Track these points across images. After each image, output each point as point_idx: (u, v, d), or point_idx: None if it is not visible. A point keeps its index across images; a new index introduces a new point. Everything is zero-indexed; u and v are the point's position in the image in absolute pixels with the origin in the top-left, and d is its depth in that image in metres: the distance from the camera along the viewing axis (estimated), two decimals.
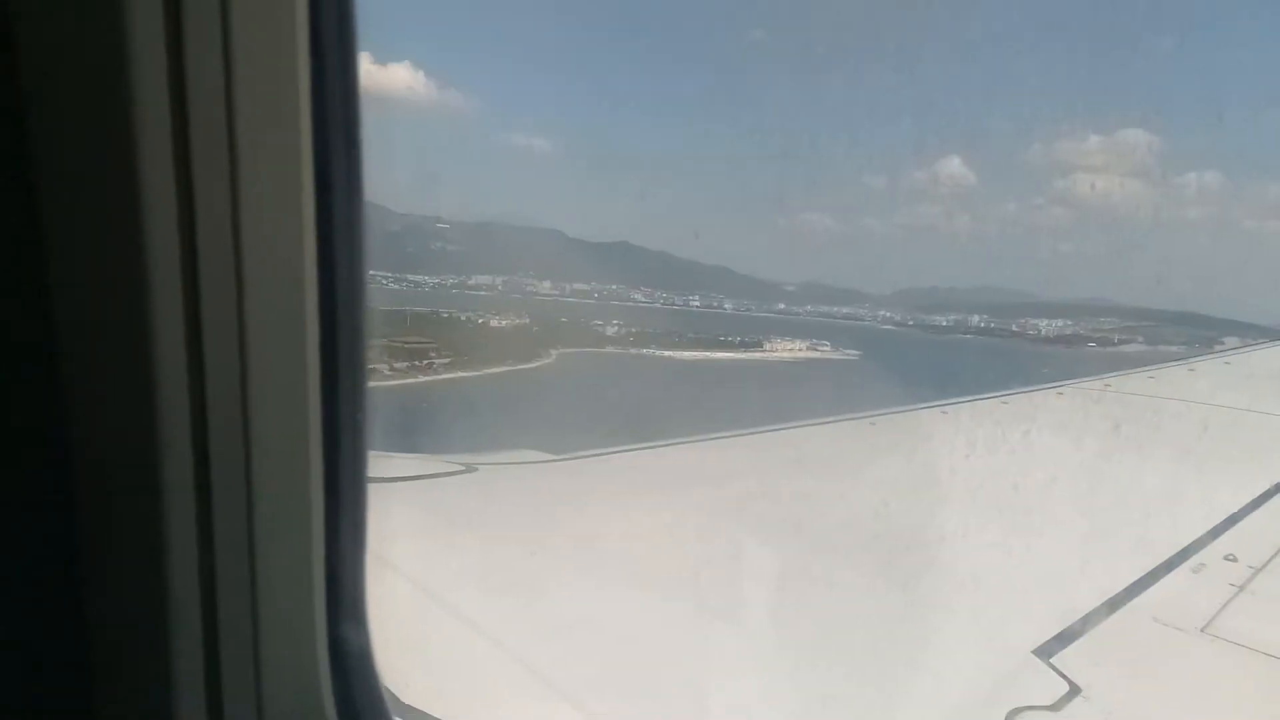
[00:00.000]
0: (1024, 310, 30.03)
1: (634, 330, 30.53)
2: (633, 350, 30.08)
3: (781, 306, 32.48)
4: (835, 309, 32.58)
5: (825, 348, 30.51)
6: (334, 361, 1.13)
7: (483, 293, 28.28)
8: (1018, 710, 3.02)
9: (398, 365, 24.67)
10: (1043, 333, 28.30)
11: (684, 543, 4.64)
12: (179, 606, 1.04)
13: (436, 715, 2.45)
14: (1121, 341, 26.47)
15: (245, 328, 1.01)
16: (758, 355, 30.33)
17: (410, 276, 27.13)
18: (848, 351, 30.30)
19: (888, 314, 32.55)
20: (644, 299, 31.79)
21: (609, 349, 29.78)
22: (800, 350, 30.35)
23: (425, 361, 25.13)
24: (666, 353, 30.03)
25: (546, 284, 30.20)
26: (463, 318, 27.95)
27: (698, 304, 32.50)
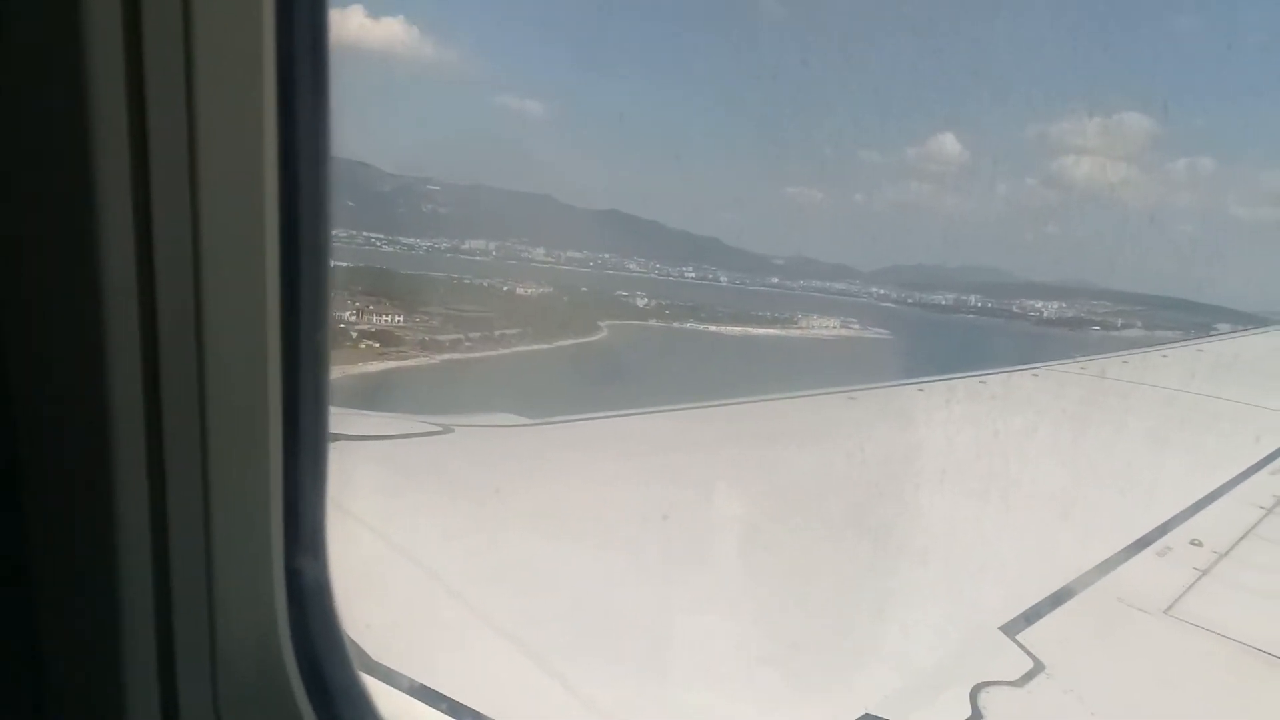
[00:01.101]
0: (1017, 291, 30.01)
1: (663, 303, 30.23)
2: (675, 324, 29.92)
3: (775, 281, 32.30)
4: (828, 284, 32.41)
5: (855, 325, 30.51)
6: (295, 309, 1.11)
7: (478, 258, 27.95)
8: (982, 685, 3.05)
9: (472, 335, 24.67)
10: (1045, 315, 28.34)
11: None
12: (129, 545, 1.03)
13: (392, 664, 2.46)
14: (1124, 326, 26.63)
15: (201, 277, 0.99)
16: (800, 332, 30.28)
17: (403, 239, 26.82)
18: (877, 330, 30.23)
19: (881, 291, 32.34)
20: (638, 269, 31.48)
21: (652, 322, 29.57)
22: (836, 328, 30.35)
23: (495, 333, 25.22)
24: (711, 327, 29.85)
25: (540, 250, 29.85)
26: (485, 284, 27.66)
27: (692, 276, 32.27)
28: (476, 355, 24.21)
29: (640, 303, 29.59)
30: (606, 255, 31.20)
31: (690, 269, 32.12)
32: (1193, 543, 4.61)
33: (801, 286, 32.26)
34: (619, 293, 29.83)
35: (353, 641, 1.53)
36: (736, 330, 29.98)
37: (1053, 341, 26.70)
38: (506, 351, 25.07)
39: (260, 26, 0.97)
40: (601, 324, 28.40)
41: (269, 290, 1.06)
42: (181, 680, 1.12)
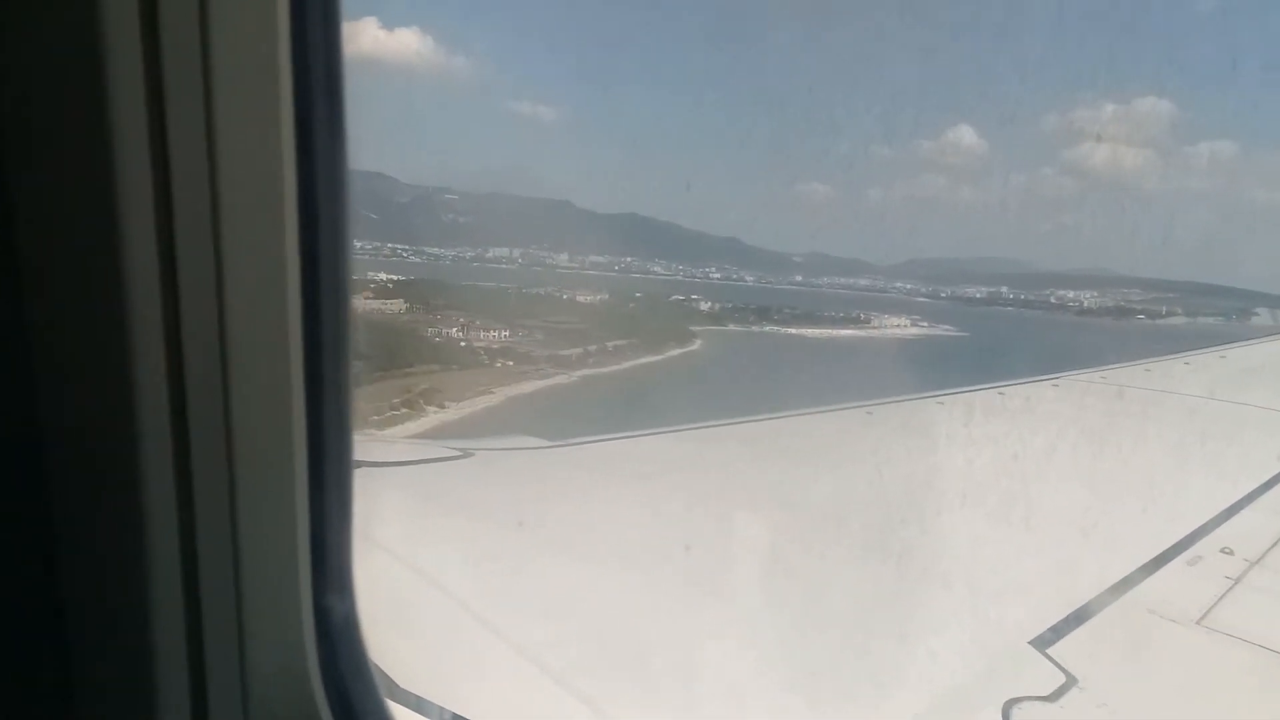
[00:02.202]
0: (1043, 282, 29.49)
1: (727, 307, 30.06)
2: (755, 328, 29.80)
3: (798, 279, 32.03)
4: (853, 280, 32.03)
5: (925, 324, 30.25)
6: (318, 338, 1.12)
7: (503, 266, 27.95)
8: (1015, 700, 3.02)
9: (589, 349, 24.77)
10: (1085, 305, 27.81)
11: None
12: (160, 580, 1.04)
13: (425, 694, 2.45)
14: (1168, 314, 26.24)
15: (225, 304, 1.00)
16: (877, 331, 30.00)
17: (427, 249, 26.87)
18: (945, 327, 29.90)
19: (909, 286, 31.90)
20: (663, 271, 31.29)
21: (732, 327, 29.47)
22: (907, 326, 30.09)
23: (607, 345, 25.30)
24: (791, 330, 29.62)
25: (564, 256, 29.76)
26: (543, 293, 27.68)
27: (717, 276, 31.98)
28: (606, 370, 24.36)
29: (704, 307, 29.42)
30: (629, 259, 31.12)
31: (714, 269, 31.89)
32: (1223, 551, 4.56)
33: (827, 284, 31.98)
34: (674, 297, 29.70)
35: (380, 669, 1.53)
36: (819, 332, 29.72)
37: (1107, 334, 26.23)
38: (629, 364, 25.27)
39: (275, 34, 0.98)
40: (694, 331, 28.27)
41: (290, 317, 1.06)
42: (213, 711, 1.13)
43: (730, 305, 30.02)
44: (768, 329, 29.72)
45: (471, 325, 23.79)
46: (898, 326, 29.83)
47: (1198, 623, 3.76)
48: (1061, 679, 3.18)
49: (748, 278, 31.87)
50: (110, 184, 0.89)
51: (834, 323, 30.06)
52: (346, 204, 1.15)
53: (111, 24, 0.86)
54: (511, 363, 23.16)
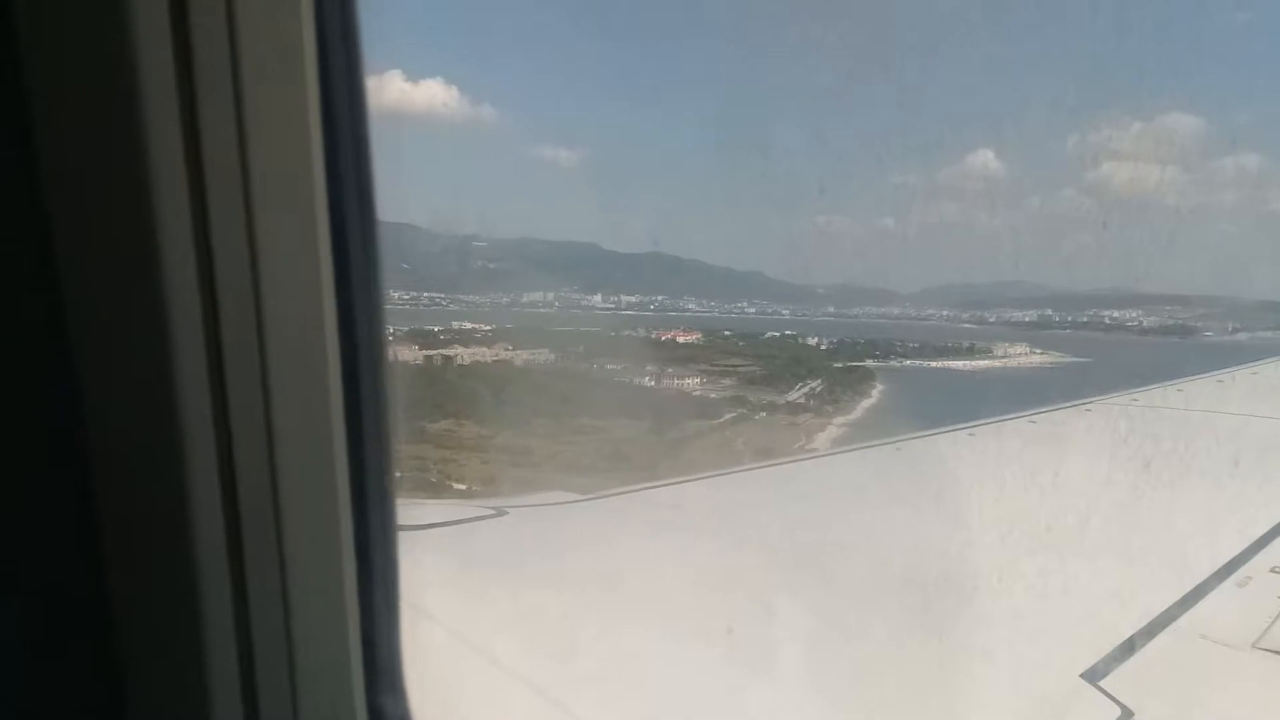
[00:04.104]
0: (1079, 303, 28.68)
1: (835, 343, 28.60)
2: (893, 363, 28.34)
3: (831, 310, 31.46)
4: (886, 309, 31.31)
5: (1038, 352, 29.32)
6: (358, 408, 1.12)
7: (541, 309, 27.91)
8: None
9: (810, 393, 23.95)
10: (1144, 325, 27.12)
11: None
12: (217, 686, 1.03)
13: None
14: (1235, 330, 25.69)
15: (268, 375, 1.01)
16: (1014, 361, 28.67)
17: (463, 297, 26.92)
18: (1055, 354, 29.09)
19: (947, 313, 31.07)
20: (698, 309, 30.97)
21: (869, 363, 27.99)
22: (1030, 354, 29.07)
23: (810, 388, 24.40)
24: (934, 364, 28.57)
25: (597, 297, 29.69)
26: (639, 334, 27.34)
27: (753, 311, 31.56)
28: (845, 418, 23.24)
29: (815, 343, 28.73)
30: (661, 297, 30.92)
31: (747, 304, 31.55)
32: (1274, 570, 4.45)
33: (863, 314, 31.34)
34: (769, 333, 29.19)
35: None
36: (964, 365, 28.17)
37: (1185, 351, 25.39)
38: (865, 405, 24.07)
39: (303, 60, 1.00)
40: (851, 369, 27.34)
41: (328, 332, 1.06)
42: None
43: (837, 340, 29.35)
44: (909, 364, 28.56)
45: (647, 372, 23.27)
46: (1021, 355, 28.91)
47: (1253, 645, 3.67)
48: (1117, 712, 3.12)
49: (784, 311, 31.51)
50: (145, 183, 0.90)
51: (961, 354, 29.08)
52: (379, 258, 1.16)
53: (141, 23, 0.87)
54: (764, 413, 22.31)
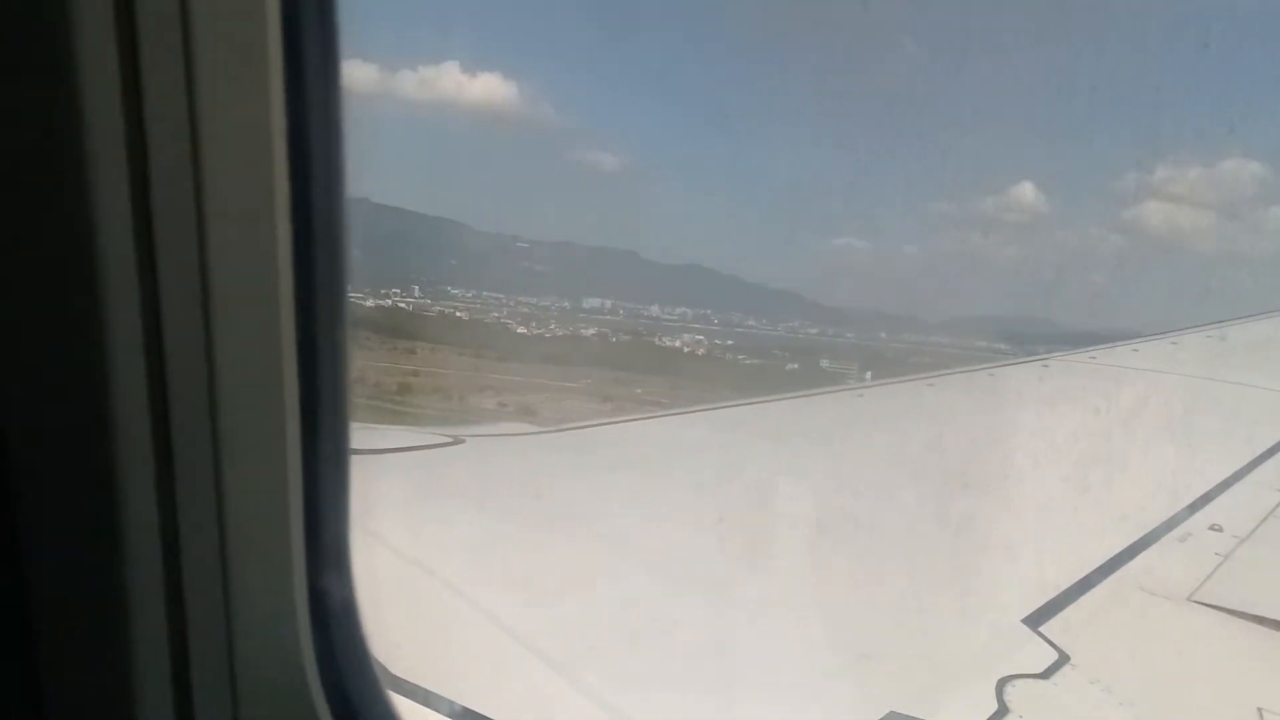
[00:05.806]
0: (1086, 340, 28.62)
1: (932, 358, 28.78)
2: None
3: (883, 335, 30.80)
4: (925, 338, 30.80)
5: None
6: (311, 311, 1.07)
7: (604, 315, 27.21)
8: (1008, 678, 3.03)
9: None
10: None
11: None
12: (139, 574, 0.99)
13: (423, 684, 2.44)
14: None
15: (210, 286, 0.96)
16: None
17: (522, 299, 26.17)
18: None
19: (982, 344, 30.60)
20: (755, 325, 30.36)
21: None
22: None
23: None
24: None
25: (654, 308, 28.94)
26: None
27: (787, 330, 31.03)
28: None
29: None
30: (707, 311, 30.27)
31: (796, 323, 30.91)
32: (1212, 528, 4.58)
33: (905, 340, 30.95)
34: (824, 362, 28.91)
35: (379, 660, 1.49)
36: None
37: None
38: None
39: (265, 33, 0.95)
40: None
41: (283, 296, 1.02)
42: (199, 706, 1.08)
43: (928, 357, 28.77)
44: None
45: None
46: None
47: (1189, 598, 3.79)
48: (1054, 656, 3.20)
49: (811, 330, 31.04)
50: (84, 179, 0.87)
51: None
52: (342, 193, 1.11)
53: (87, 17, 0.84)
54: None
